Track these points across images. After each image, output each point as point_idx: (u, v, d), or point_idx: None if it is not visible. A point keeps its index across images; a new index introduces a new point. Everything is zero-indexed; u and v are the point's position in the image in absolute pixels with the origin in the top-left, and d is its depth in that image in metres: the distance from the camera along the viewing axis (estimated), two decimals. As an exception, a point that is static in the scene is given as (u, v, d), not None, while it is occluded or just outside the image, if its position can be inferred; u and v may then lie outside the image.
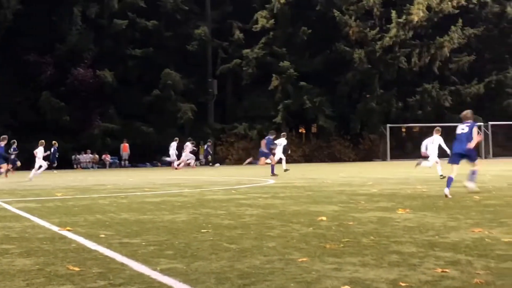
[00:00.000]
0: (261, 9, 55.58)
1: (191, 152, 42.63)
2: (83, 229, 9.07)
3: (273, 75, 54.36)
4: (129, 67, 54.14)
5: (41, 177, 29.76)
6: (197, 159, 48.45)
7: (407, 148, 56.83)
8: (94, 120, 51.87)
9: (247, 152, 53.62)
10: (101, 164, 52.21)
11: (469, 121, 14.95)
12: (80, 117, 50.55)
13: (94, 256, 6.72)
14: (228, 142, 54.53)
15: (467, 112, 15.49)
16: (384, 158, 53.58)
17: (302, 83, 54.37)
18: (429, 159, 23.60)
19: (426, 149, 23.75)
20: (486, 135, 54.30)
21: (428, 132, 57.49)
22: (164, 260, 6.34)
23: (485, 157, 52.63)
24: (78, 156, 51.69)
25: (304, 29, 54.44)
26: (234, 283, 5.25)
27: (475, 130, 14.55)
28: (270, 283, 5.24)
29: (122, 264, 6.21)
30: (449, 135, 48.75)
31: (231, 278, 5.43)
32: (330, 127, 54.58)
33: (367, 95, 55.82)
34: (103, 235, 8.30)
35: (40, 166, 30.13)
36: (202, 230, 8.64)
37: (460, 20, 54.85)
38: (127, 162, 52.34)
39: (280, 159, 30.35)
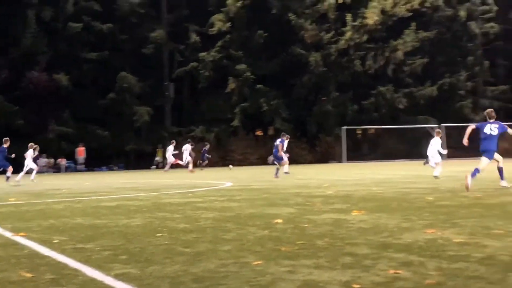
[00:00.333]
0: (217, 12, 55.59)
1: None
2: (37, 234, 8.97)
3: (230, 78, 54.41)
4: (84, 71, 53.67)
5: (-6, 182, 29.39)
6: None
7: (363, 150, 57.41)
8: (49, 124, 51.27)
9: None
10: (57, 169, 51.62)
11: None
12: (34, 121, 49.93)
13: (47, 262, 6.64)
14: (184, 145, 54.36)
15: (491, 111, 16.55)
16: (340, 160, 53.93)
17: (258, 86, 54.51)
18: (435, 160, 23.98)
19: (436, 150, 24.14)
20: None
21: (383, 134, 58.29)
22: (118, 265, 6.30)
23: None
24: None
25: (260, 32, 54.58)
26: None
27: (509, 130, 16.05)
28: (225, 287, 5.25)
29: (76, 270, 6.15)
30: (402, 136, 49.21)
31: (185, 282, 5.42)
32: (287, 130, 54.70)
33: (323, 98, 56.19)
34: (56, 241, 8.22)
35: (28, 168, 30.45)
36: (157, 234, 8.59)
37: (414, 24, 55.53)
38: (83, 166, 51.84)
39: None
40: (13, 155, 29.32)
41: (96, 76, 54.02)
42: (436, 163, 23.64)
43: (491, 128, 16.11)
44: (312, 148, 55.91)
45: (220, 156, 53.95)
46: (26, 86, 50.24)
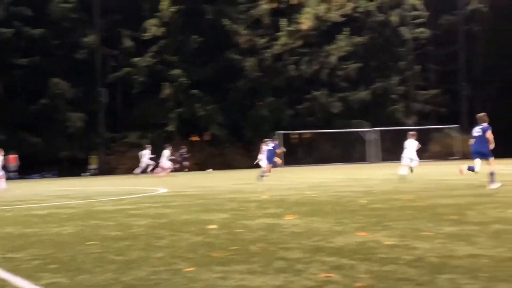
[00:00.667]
0: (151, 17, 55.20)
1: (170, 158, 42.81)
2: (-36, 245, 8.74)
3: (165, 83, 54.09)
4: (15, 76, 52.62)
5: None
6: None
7: (298, 154, 57.75)
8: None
9: (139, 161, 53.08)
10: (-13, 177, 50.34)
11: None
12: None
13: (-26, 273, 6.48)
14: (119, 152, 53.81)
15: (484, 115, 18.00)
16: (275, 165, 54.10)
17: (194, 91, 54.34)
18: (412, 163, 25.66)
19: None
20: (373, 140, 55.85)
21: (318, 138, 58.76)
22: (48, 275, 6.18)
23: (373, 162, 54.07)
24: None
25: (195, 37, 54.44)
26: (119, 296, 5.19)
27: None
28: (156, 294, 5.21)
29: (4, 280, 6.02)
30: (337, 140, 49.63)
31: (116, 291, 5.37)
32: (223, 135, 54.77)
33: (259, 103, 56.37)
34: (-16, 251, 8.03)
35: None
36: (89, 243, 8.47)
37: (347, 29, 56.21)
38: (15, 173, 50.75)
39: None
40: None
41: (27, 82, 53.03)
42: (411, 159, 25.45)
43: (477, 130, 17.70)
44: (248, 153, 55.93)
45: (155, 162, 53.55)
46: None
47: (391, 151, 58.02)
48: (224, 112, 55.23)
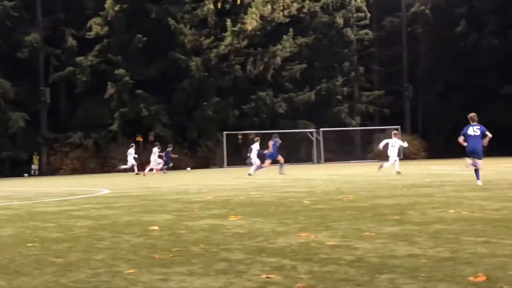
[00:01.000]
0: (95, 16, 54.61)
1: (159, 157, 43.04)
2: None
3: (109, 83, 53.56)
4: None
5: None
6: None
7: (244, 155, 57.76)
8: None
9: (83, 161, 52.52)
10: None
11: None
12: None
13: None
14: (62, 152, 53.09)
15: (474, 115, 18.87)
16: (221, 165, 54.14)
17: (138, 91, 53.93)
18: (389, 159, 27.46)
19: (384, 147, 28.00)
20: (317, 141, 56.22)
21: (263, 139, 58.97)
22: (-16, 278, 6.05)
23: (317, 162, 54.43)
24: None
25: (139, 36, 54.01)
26: (56, 299, 5.11)
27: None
28: (95, 297, 5.14)
29: None
30: (282, 141, 49.89)
31: (54, 294, 5.28)
32: (167, 135, 54.43)
33: (204, 103, 56.22)
34: None
35: None
36: (28, 244, 8.31)
37: (291, 30, 56.46)
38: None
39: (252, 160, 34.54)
40: None
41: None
42: (394, 161, 27.19)
43: (474, 130, 18.19)
44: (193, 153, 55.81)
45: (98, 162, 53.06)
46: None
47: (336, 152, 58.67)
48: (168, 112, 54.93)
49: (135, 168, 42.93)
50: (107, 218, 11.81)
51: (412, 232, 8.32)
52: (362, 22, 64.16)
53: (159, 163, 43.00)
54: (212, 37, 55.70)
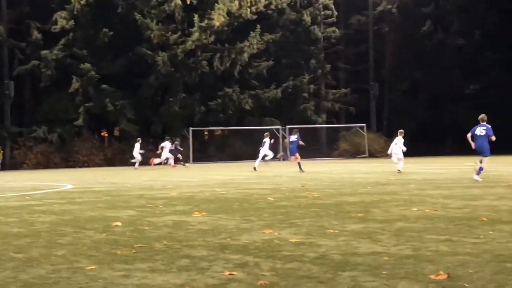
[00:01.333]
0: (61, 9, 53.97)
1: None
2: None
3: (74, 77, 53.01)
4: None
5: None
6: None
7: (210, 151, 57.66)
8: None
9: (47, 156, 51.97)
10: None
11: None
12: None
13: None
14: (26, 146, 52.47)
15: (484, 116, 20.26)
16: (187, 161, 53.92)
17: (103, 85, 53.44)
18: (399, 157, 27.43)
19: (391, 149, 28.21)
20: (284, 138, 56.27)
21: (230, 135, 58.84)
22: None
23: (283, 159, 54.50)
24: None
25: (105, 31, 53.51)
26: (15, 296, 5.03)
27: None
28: (54, 294, 5.08)
29: None
30: (249, 138, 49.58)
31: (12, 291, 5.20)
32: (133, 131, 54.04)
33: (170, 99, 55.94)
34: None
35: None
36: (-12, 240, 8.21)
37: (259, 26, 56.41)
38: None
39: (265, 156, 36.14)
40: None
41: None
42: (399, 159, 27.11)
43: (480, 130, 19.78)
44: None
45: (63, 157, 52.52)
46: None
47: (301, 149, 58.74)
48: (134, 108, 54.53)
49: (137, 163, 43.33)
50: (70, 213, 11.71)
51: (375, 230, 8.36)
52: (329, 20, 64.28)
53: (167, 158, 43.39)
54: (179, 33, 55.41)
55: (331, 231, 8.35)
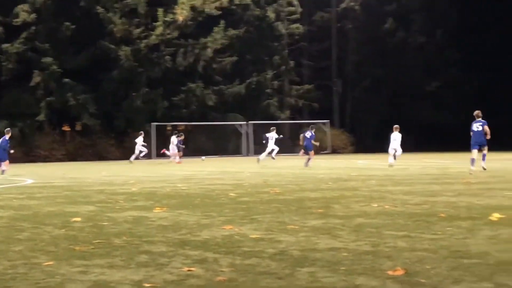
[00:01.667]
0: (22, 2, 53.27)
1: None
2: None
3: (35, 71, 52.40)
4: None
5: None
6: None
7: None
8: None
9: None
10: None
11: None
12: None
13: None
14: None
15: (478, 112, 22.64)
16: (149, 157, 53.64)
17: (66, 79, 52.93)
18: (397, 153, 29.44)
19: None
20: (247, 133, 56.36)
21: (193, 131, 58.63)
22: None
23: (246, 155, 54.57)
24: None
25: (68, 24, 52.97)
26: (-31, 292, 4.96)
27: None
28: (10, 290, 5.02)
29: None
30: (212, 133, 49.50)
31: (-33, 287, 5.12)
32: (95, 125, 53.65)
33: (133, 94, 55.58)
34: None
35: None
36: None
37: (223, 22, 56.30)
38: None
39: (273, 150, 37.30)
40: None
41: None
42: (397, 155, 29.15)
43: (477, 126, 22.29)
44: (121, 144, 55.13)
45: (24, 152, 51.85)
46: None
47: (264, 145, 58.80)
48: (96, 102, 54.09)
49: (140, 156, 43.93)
50: (29, 208, 11.58)
51: (335, 226, 8.40)
52: (293, 17, 64.39)
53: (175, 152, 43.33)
54: (143, 27, 55.10)
55: (292, 227, 8.37)
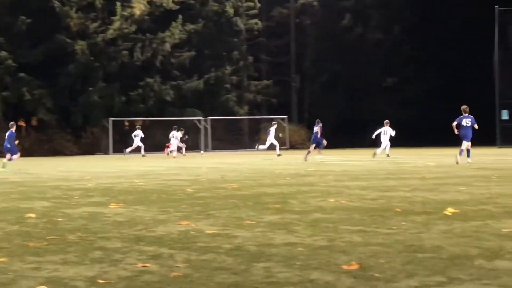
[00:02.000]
0: (-24, -5, 52.50)
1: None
2: None
3: (-10, 65, 51.64)
4: None
5: None
6: None
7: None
8: None
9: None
10: None
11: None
12: None
13: None
14: None
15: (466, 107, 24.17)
16: (106, 152, 53.25)
17: (21, 74, 52.22)
18: (381, 146, 32.89)
19: (377, 136, 33.81)
20: (205, 129, 56.25)
21: (150, 126, 58.31)
22: None
23: (205, 150, 54.46)
24: None
25: (23, 18, 52.24)
26: None
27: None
28: (-41, 288, 4.92)
29: None
30: (170, 129, 49.33)
31: None
32: (51, 120, 53.06)
33: (90, 88, 55.04)
34: None
35: None
36: None
37: (181, 16, 56.05)
38: None
39: (272, 144, 39.12)
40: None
41: None
42: (385, 146, 32.53)
43: (466, 122, 23.76)
44: (78, 140, 54.61)
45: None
46: None
47: (223, 140, 58.80)
48: (53, 97, 53.46)
49: (142, 149, 44.73)
50: (-19, 205, 11.39)
51: (291, 221, 8.42)
52: (252, 12, 64.38)
53: (180, 147, 44.15)
54: (100, 21, 54.59)
55: (248, 222, 8.38)
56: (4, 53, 51.21)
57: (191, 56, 58.21)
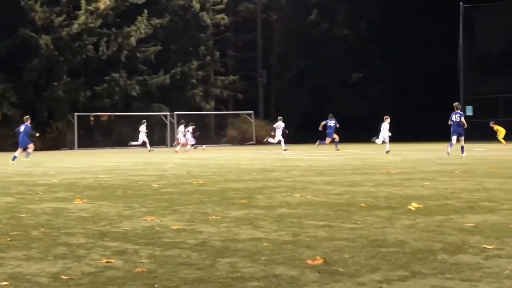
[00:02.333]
0: None
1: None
2: None
3: (-48, 60, 50.91)
4: None
5: None
6: None
7: (95, 137, 56.70)
8: None
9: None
10: None
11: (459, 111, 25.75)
12: None
13: None
14: None
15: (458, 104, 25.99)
16: (71, 147, 52.84)
17: (-16, 68, 51.64)
18: (380, 138, 32.93)
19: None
20: (171, 124, 56.04)
21: (116, 121, 57.97)
22: None
23: (171, 146, 54.26)
24: None
25: (-13, 12, 51.65)
26: None
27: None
28: None
29: None
30: (136, 124, 49.11)
31: None
32: (15, 115, 52.43)
33: (54, 83, 54.52)
34: None
35: None
36: None
37: (146, 11, 55.73)
38: None
39: (279, 141, 38.60)
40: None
41: None
42: (384, 142, 32.07)
43: (456, 117, 25.27)
44: (42, 135, 54.08)
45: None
46: None
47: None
48: (17, 92, 52.87)
49: (148, 144, 43.95)
50: None
51: (257, 216, 8.44)
52: (218, 7, 64.21)
53: (182, 143, 44.01)
54: (64, 15, 54.07)
55: (214, 217, 8.37)
56: (-33, 47, 50.54)
57: (157, 51, 57.96)
